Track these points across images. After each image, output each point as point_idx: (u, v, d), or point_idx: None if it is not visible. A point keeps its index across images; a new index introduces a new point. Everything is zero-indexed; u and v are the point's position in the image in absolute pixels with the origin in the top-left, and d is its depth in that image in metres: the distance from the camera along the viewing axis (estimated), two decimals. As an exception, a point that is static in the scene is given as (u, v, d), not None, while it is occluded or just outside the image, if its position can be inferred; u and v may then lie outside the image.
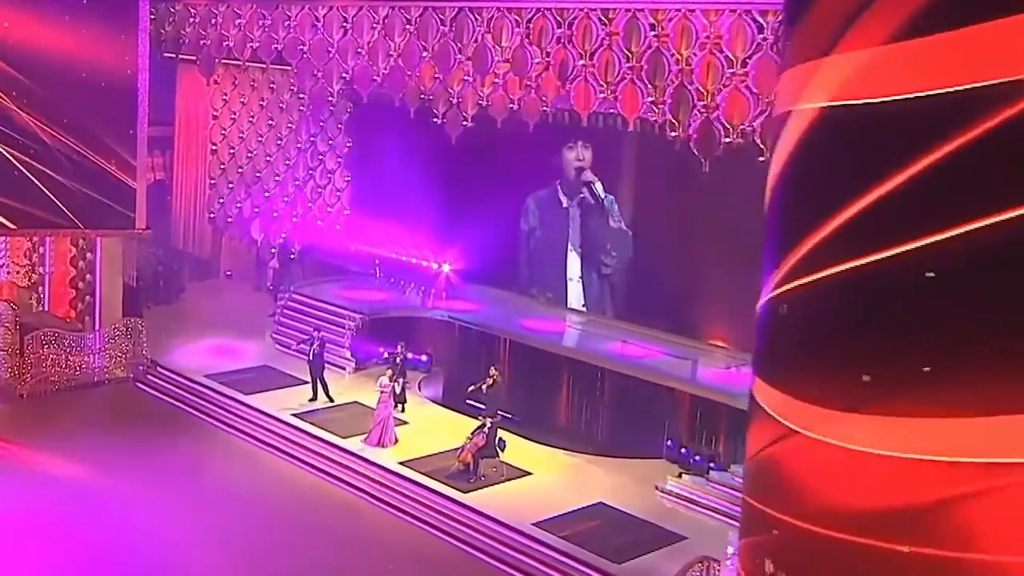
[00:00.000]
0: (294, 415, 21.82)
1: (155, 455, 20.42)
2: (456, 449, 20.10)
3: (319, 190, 28.59)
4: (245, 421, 22.05)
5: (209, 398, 22.89)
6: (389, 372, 21.11)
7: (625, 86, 19.21)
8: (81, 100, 23.13)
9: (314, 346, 22.59)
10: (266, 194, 28.38)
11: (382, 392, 20.77)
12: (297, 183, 28.09)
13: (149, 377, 24.03)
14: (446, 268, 26.20)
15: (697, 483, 19.28)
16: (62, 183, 23.18)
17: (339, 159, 28.53)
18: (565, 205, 25.25)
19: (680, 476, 19.60)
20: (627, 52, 19.09)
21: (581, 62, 19.61)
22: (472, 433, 19.98)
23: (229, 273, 30.29)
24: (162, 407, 23.14)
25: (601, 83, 19.40)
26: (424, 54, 21.61)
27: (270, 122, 28.09)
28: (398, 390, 21.26)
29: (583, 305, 25.13)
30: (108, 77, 23.26)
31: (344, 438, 20.92)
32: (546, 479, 19.88)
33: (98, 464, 19.81)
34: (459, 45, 21.07)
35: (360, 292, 26.41)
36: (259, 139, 28.31)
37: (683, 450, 20.51)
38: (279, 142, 28.09)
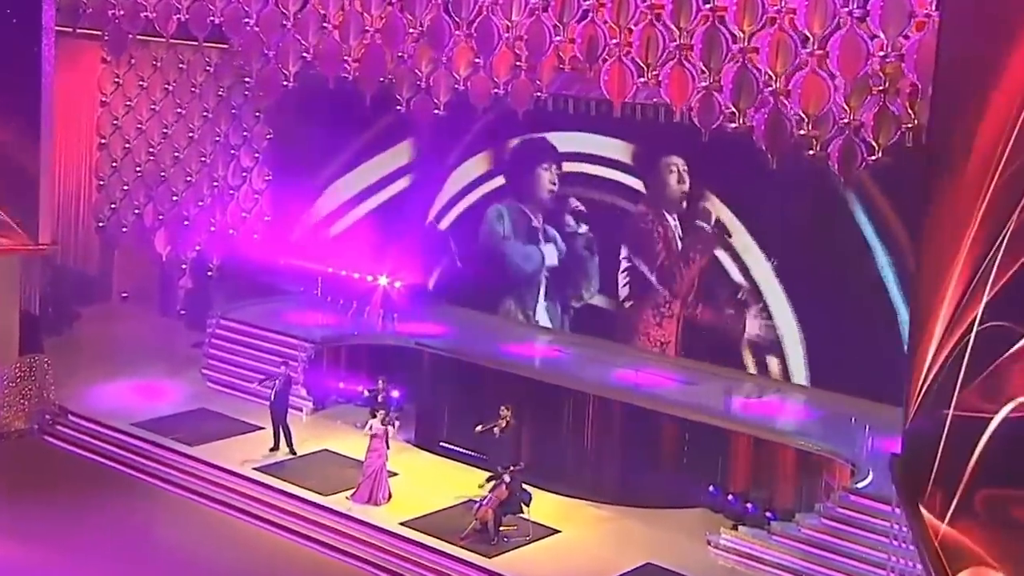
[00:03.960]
0: (255, 468, 20.56)
1: (82, 523, 19.37)
2: (467, 503, 19.41)
3: (231, 192, 27.07)
4: (193, 478, 20.66)
5: (140, 451, 21.45)
6: (381, 414, 19.86)
7: (672, 68, 18.49)
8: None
9: (276, 385, 21.20)
10: (174, 198, 26.79)
11: (373, 438, 19.57)
12: (215, 184, 26.52)
13: (58, 428, 22.40)
14: (397, 284, 25.09)
15: (757, 536, 18.74)
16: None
17: (256, 154, 27.03)
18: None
19: (735, 528, 19.03)
20: (674, 28, 18.38)
21: (615, 40, 18.83)
22: (490, 486, 19.02)
23: (125, 295, 28.40)
24: (79, 464, 21.70)
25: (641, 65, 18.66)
26: (411, 30, 20.49)
27: (179, 110, 26.49)
28: (392, 435, 20.01)
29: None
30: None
31: (325, 495, 19.78)
32: (578, 536, 19.28)
33: (11, 536, 18.44)
34: (456, 20, 20.03)
35: (301, 315, 25.02)
36: (164, 131, 26.72)
37: (730, 497, 19.94)
38: (191, 135, 26.50)
